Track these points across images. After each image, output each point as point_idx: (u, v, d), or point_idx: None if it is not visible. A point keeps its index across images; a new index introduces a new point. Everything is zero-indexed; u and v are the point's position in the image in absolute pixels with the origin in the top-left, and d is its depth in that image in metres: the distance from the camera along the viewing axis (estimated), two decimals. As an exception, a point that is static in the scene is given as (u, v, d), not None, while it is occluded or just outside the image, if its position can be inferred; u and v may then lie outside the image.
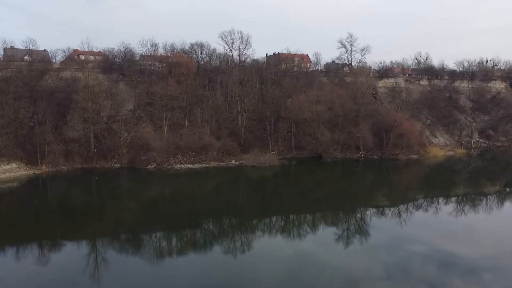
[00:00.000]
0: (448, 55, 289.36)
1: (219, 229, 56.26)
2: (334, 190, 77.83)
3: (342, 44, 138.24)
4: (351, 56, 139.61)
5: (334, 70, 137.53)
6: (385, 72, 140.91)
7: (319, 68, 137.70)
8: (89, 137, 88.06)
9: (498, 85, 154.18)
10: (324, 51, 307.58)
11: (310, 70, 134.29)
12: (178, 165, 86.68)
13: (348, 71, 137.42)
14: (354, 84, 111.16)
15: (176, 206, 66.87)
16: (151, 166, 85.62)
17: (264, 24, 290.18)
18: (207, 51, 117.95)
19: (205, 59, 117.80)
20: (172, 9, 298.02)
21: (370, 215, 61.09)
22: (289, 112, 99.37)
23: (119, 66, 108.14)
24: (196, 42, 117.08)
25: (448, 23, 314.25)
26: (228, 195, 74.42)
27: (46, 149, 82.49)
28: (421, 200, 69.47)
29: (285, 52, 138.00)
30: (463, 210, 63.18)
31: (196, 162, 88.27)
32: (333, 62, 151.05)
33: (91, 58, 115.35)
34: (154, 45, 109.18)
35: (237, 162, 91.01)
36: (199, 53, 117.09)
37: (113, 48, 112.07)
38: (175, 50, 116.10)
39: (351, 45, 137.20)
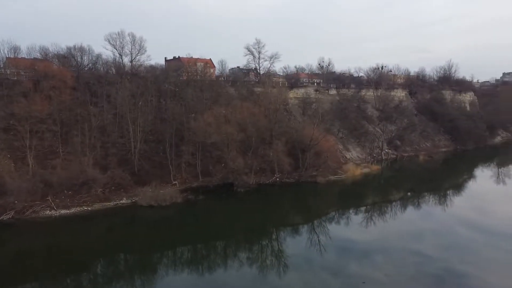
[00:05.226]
0: (349, 59, 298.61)
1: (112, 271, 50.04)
2: (247, 223, 69.42)
3: (249, 51, 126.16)
4: (259, 64, 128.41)
5: (241, 78, 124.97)
6: (294, 82, 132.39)
7: (225, 76, 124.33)
8: None
9: (399, 94, 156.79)
10: (228, 58, 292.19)
11: (214, 76, 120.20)
12: (48, 212, 65.39)
13: (256, 79, 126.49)
14: (265, 97, 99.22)
15: (53, 256, 53.21)
16: (7, 216, 62.88)
17: (161, 25, 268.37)
18: (90, 57, 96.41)
19: (87, 67, 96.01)
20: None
21: (286, 244, 58.92)
22: (194, 134, 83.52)
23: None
24: (75, 46, 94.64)
25: (348, 28, 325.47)
26: (119, 240, 59.86)
27: None
28: (333, 213, 74.59)
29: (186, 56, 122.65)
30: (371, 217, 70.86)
31: (74, 205, 67.71)
32: (238, 67, 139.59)
33: None
34: (14, 49, 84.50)
35: (129, 201, 72.42)
36: (80, 59, 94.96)
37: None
38: (48, 55, 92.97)
39: (259, 52, 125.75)
